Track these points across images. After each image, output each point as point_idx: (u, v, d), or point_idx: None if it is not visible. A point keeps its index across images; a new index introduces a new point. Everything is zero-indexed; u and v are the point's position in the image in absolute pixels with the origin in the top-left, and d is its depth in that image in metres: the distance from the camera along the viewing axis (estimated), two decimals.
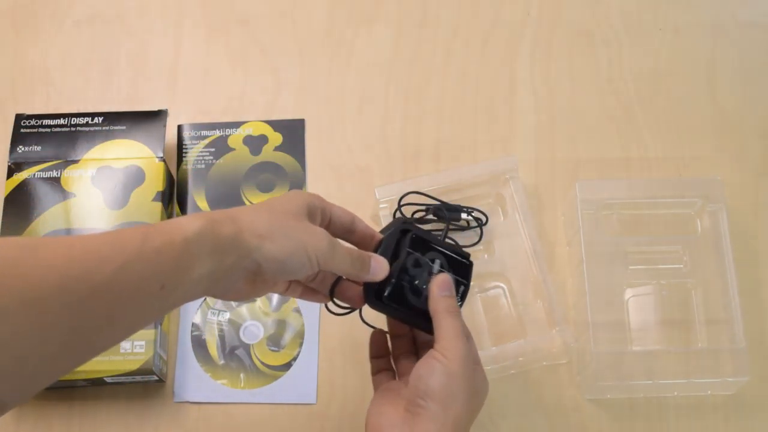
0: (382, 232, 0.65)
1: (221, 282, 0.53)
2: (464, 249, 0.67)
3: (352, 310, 0.66)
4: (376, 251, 0.63)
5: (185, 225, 0.50)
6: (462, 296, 0.65)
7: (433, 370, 0.57)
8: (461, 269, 0.65)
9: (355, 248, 0.62)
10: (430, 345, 0.60)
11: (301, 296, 0.65)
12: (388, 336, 0.67)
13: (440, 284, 0.62)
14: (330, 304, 0.65)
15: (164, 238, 0.49)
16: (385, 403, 0.60)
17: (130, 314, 0.49)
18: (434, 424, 0.55)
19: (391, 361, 0.67)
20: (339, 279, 0.64)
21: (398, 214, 0.79)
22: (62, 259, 0.45)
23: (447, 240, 0.70)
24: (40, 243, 0.47)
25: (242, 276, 0.54)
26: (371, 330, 0.68)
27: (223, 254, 0.52)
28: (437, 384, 0.56)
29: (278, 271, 0.55)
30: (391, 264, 0.62)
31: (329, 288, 0.64)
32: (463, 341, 0.59)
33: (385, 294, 0.61)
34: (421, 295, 0.62)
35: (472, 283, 0.79)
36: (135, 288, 0.47)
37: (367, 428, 0.59)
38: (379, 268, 0.61)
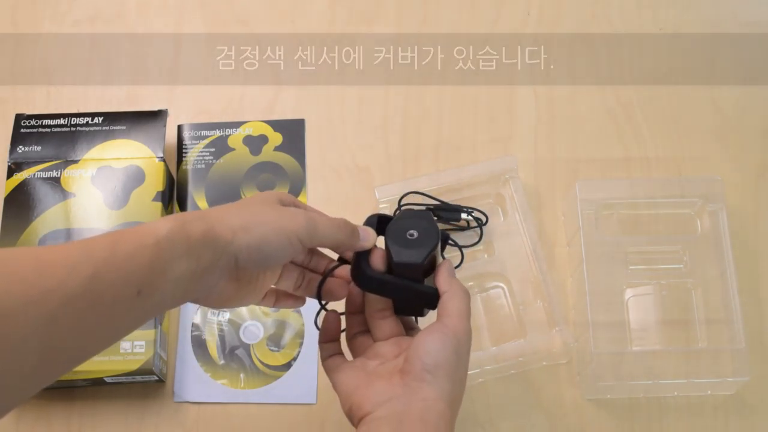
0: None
1: (201, 283, 0.52)
2: (463, 247, 0.65)
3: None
4: None
5: (156, 227, 0.49)
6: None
7: (445, 346, 0.56)
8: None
9: (340, 218, 0.60)
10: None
11: (276, 304, 0.63)
12: (342, 318, 0.65)
13: (449, 267, 0.61)
14: (328, 307, 0.63)
15: (135, 242, 0.48)
16: (369, 380, 0.58)
17: (107, 324, 0.47)
18: (437, 392, 0.55)
19: (341, 343, 0.65)
20: (324, 279, 0.62)
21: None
22: (31, 271, 0.43)
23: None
24: (5, 254, 0.45)
25: (223, 274, 0.53)
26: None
27: (197, 254, 0.50)
28: (447, 360, 0.56)
29: (258, 260, 0.54)
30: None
31: (315, 291, 0.62)
32: (468, 322, 0.59)
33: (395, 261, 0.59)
34: (419, 265, 0.59)
35: (471, 284, 0.80)
36: (110, 296, 0.46)
37: (353, 409, 0.57)
38: (368, 234, 0.60)
